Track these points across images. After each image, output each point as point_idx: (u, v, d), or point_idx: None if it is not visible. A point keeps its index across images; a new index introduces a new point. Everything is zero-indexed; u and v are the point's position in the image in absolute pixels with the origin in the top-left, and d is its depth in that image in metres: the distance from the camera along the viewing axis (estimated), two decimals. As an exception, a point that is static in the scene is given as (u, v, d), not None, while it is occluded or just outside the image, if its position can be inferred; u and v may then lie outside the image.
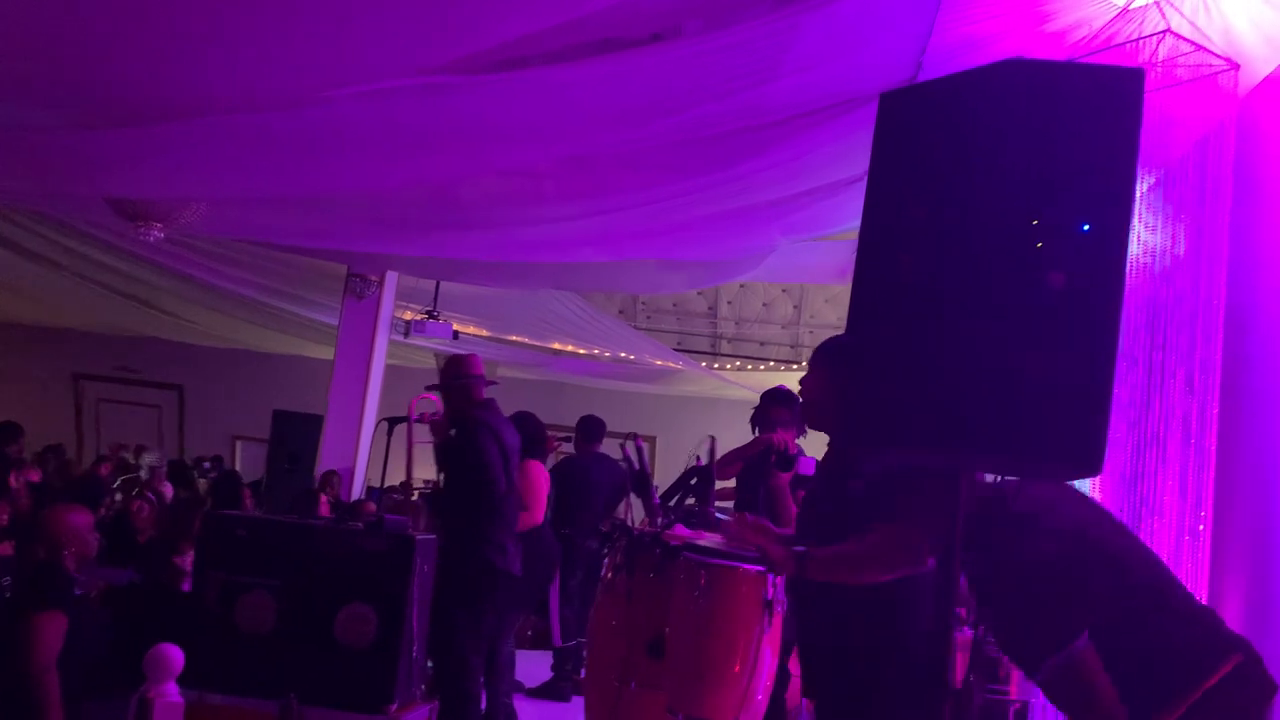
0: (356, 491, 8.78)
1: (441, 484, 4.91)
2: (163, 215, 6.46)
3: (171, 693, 2.33)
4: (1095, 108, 1.96)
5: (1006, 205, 1.99)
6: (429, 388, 5.03)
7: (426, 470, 5.39)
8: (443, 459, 4.85)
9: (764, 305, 13.76)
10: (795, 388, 5.06)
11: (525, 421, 6.16)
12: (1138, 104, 1.95)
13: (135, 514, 6.09)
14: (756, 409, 4.66)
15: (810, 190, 6.43)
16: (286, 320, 11.30)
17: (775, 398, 4.61)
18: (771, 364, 13.06)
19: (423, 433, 5.07)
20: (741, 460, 4.59)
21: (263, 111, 4.56)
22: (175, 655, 2.36)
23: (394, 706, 3.61)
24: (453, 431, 4.87)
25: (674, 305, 13.98)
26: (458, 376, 4.85)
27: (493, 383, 5.05)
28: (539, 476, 5.87)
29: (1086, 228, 1.98)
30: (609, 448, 6.88)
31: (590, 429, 7.23)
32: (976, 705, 2.18)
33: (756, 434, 4.63)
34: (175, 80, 4.34)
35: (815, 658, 2.70)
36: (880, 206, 2.17)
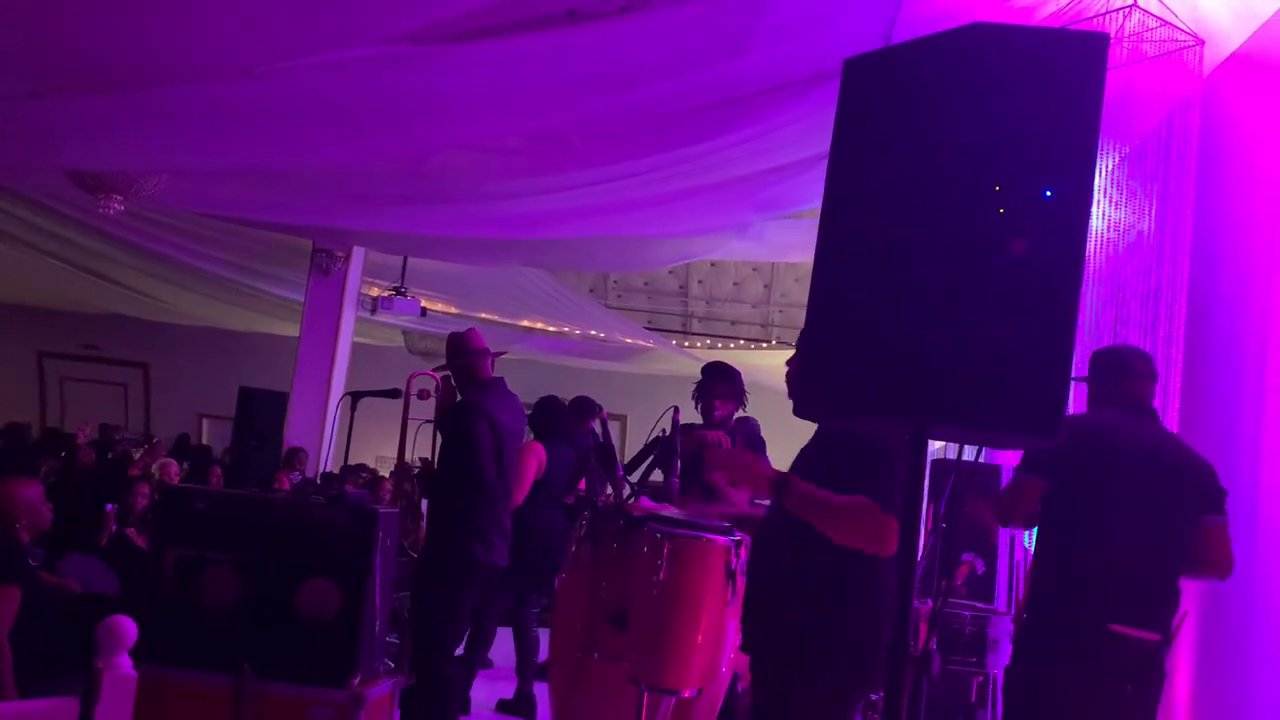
0: (325, 466, 8.73)
1: (435, 465, 4.76)
2: (123, 187, 6.36)
3: (124, 665, 2.29)
4: (1058, 72, 1.95)
5: (969, 171, 1.97)
6: (438, 369, 4.85)
7: (422, 448, 5.26)
8: (442, 431, 4.71)
9: (735, 284, 13.76)
10: (768, 366, 5.10)
11: (550, 407, 6.04)
12: (1101, 69, 1.93)
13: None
14: (698, 384, 4.66)
15: (781, 167, 6.42)
16: (252, 296, 11.18)
17: (715, 373, 4.63)
18: (742, 343, 13.07)
19: (418, 410, 4.95)
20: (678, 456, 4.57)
21: (222, 81, 4.49)
22: (128, 627, 2.32)
23: (357, 680, 3.58)
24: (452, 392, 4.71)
25: (645, 284, 13.96)
26: (458, 354, 4.64)
27: (500, 353, 4.81)
28: (530, 460, 5.74)
29: (1049, 194, 1.96)
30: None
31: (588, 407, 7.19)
32: (936, 674, 2.18)
33: (699, 409, 4.64)
34: (134, 49, 4.26)
35: (762, 612, 2.75)
36: (843, 173, 2.15)
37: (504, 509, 4.58)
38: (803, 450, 3.02)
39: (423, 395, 4.89)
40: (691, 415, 4.74)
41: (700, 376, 4.68)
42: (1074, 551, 3.12)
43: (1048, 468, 3.12)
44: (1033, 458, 3.17)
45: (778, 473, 2.65)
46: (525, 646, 6.07)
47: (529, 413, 5.41)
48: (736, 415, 4.69)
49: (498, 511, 4.52)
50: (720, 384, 4.56)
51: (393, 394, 5.32)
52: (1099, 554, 3.08)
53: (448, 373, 4.71)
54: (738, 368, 4.75)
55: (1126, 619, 3.02)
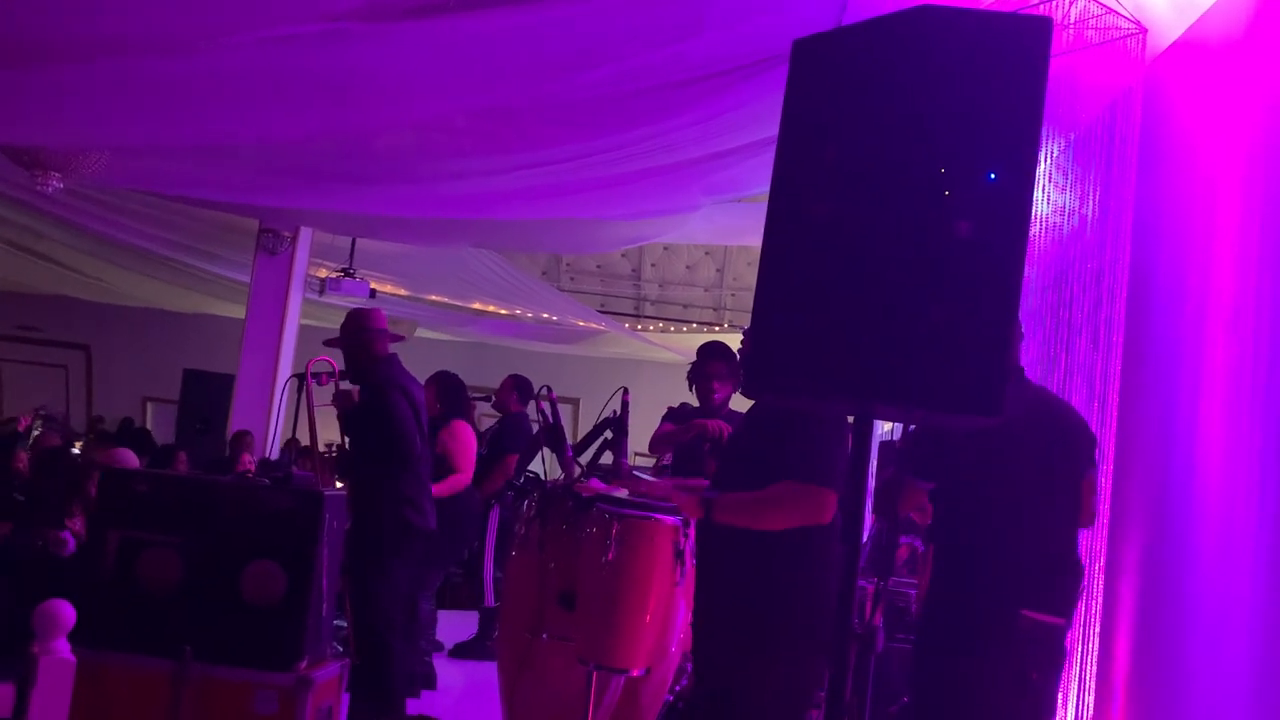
0: (272, 452, 8.61)
1: (347, 446, 4.79)
2: (61, 165, 6.20)
3: (61, 650, 2.24)
4: (1003, 55, 1.97)
5: (914, 153, 1.99)
6: (327, 343, 4.88)
7: (330, 432, 5.25)
8: (350, 421, 4.72)
9: (687, 268, 13.80)
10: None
11: (449, 382, 6.11)
12: (1045, 51, 1.96)
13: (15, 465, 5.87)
14: (693, 365, 4.62)
15: (733, 150, 6.42)
16: (197, 277, 10.98)
17: (712, 352, 4.58)
18: (694, 326, 13.11)
19: (322, 395, 4.93)
20: (673, 444, 4.55)
21: (162, 55, 4.39)
22: (66, 611, 2.27)
23: (303, 664, 3.55)
24: (353, 391, 4.74)
25: (598, 267, 13.94)
26: (358, 330, 4.67)
27: (399, 338, 4.92)
28: (468, 437, 5.82)
29: (993, 176, 1.99)
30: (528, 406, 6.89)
31: (528, 388, 7.21)
32: (881, 651, 2.22)
33: (694, 391, 4.60)
34: (71, 22, 4.14)
35: (709, 595, 2.79)
36: (791, 154, 2.16)
37: (428, 476, 4.74)
38: (734, 431, 3.05)
39: (321, 380, 4.87)
40: (661, 398, 4.70)
41: (695, 358, 4.62)
42: (973, 534, 3.02)
43: (931, 469, 2.98)
44: (913, 458, 3.01)
45: (701, 499, 2.74)
46: (414, 620, 5.92)
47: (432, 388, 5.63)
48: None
49: (424, 480, 4.67)
50: (718, 363, 4.50)
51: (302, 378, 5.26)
52: (1000, 535, 2.99)
53: (342, 386, 4.74)
54: (691, 352, 4.73)
55: (1032, 602, 2.96)
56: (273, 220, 8.78)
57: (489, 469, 6.83)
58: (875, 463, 4.95)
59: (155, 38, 4.28)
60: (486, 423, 7.99)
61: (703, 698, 2.72)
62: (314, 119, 5.31)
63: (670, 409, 4.80)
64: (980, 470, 2.97)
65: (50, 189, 6.32)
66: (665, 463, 4.90)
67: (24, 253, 10.50)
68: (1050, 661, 3.02)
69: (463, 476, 5.66)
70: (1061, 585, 3.07)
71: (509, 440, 6.94)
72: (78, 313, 14.05)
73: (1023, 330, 3.32)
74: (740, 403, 4.63)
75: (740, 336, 3.06)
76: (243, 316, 9.28)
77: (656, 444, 4.67)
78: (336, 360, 4.88)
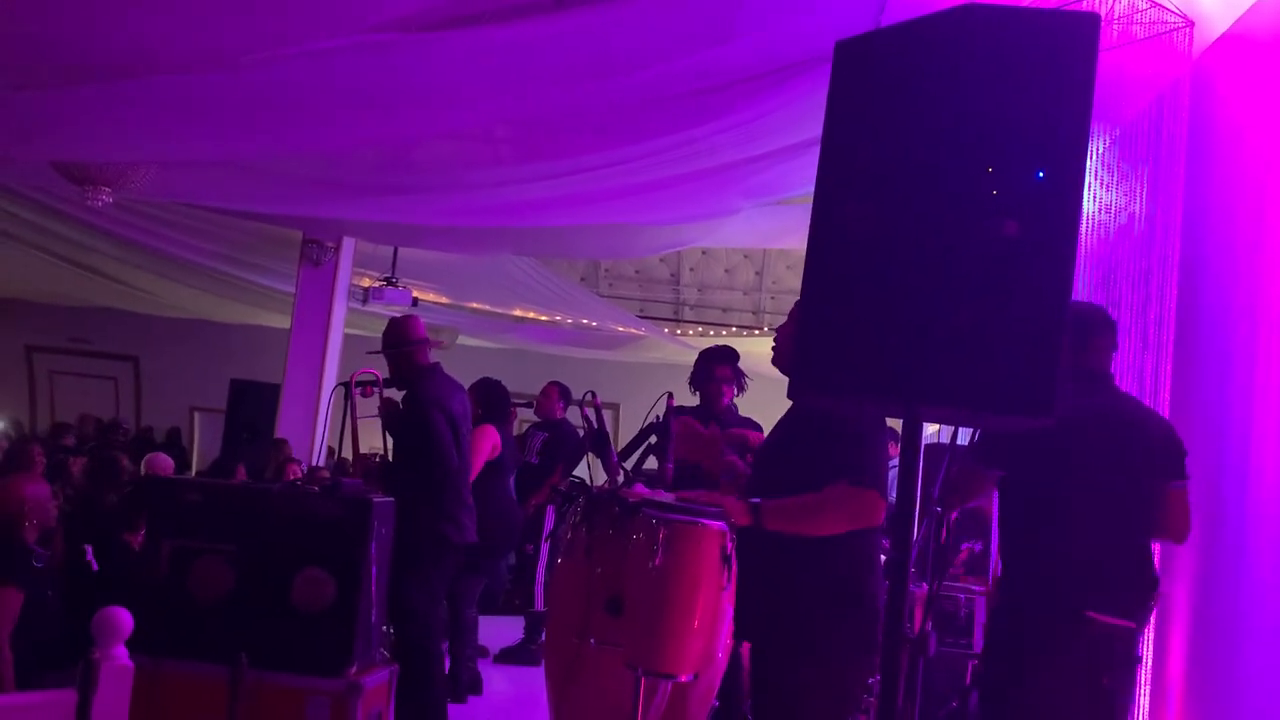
0: (318, 460, 8.70)
1: (390, 455, 4.83)
2: (112, 179, 6.32)
3: (120, 656, 2.29)
4: (1050, 53, 1.95)
5: (961, 152, 1.97)
6: (371, 353, 4.94)
7: (373, 440, 5.31)
8: (392, 431, 4.77)
9: (726, 271, 13.77)
10: (758, 353, 5.08)
11: (491, 388, 6.14)
12: (1092, 49, 1.94)
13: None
14: (697, 369, 4.59)
15: (772, 152, 6.41)
16: (242, 288, 11.14)
17: (716, 356, 4.57)
18: (734, 330, 13.08)
19: (365, 406, 4.99)
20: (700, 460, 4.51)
21: (205, 71, 4.47)
22: (124, 618, 2.32)
23: (353, 669, 3.59)
24: (400, 399, 4.79)
25: (636, 272, 13.95)
26: (399, 342, 4.71)
27: (439, 344, 4.96)
28: (482, 441, 5.83)
29: (1041, 175, 1.97)
30: (570, 412, 6.93)
31: (570, 394, 7.27)
32: (933, 656, 2.20)
33: (696, 395, 4.58)
34: (116, 39, 4.23)
35: (755, 597, 2.77)
36: (836, 156, 2.15)
37: (466, 490, 4.76)
38: (770, 434, 3.04)
39: (366, 392, 4.94)
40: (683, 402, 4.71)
41: (696, 362, 4.60)
42: (1041, 533, 2.98)
43: (1001, 456, 2.93)
44: (983, 446, 2.89)
45: (749, 505, 2.73)
46: (458, 627, 5.93)
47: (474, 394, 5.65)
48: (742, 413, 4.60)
49: (462, 493, 4.68)
50: (724, 367, 4.48)
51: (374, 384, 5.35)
52: (1067, 535, 2.94)
53: (387, 394, 4.79)
54: None
55: (1098, 604, 2.89)
56: (316, 231, 8.90)
57: (540, 478, 6.86)
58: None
59: (200, 55, 4.36)
60: (524, 427, 8.04)
61: (741, 697, 2.71)
62: (357, 129, 5.38)
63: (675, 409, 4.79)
64: (1047, 472, 2.92)
65: (100, 203, 6.45)
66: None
67: (73, 266, 10.72)
68: (1123, 665, 2.93)
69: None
70: (1131, 589, 2.98)
71: (561, 451, 6.98)
72: (126, 325, 14.30)
73: (1117, 342, 3.23)
74: (745, 407, 4.64)
75: (779, 339, 3.04)
76: (288, 327, 9.41)
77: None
78: (381, 368, 4.92)
